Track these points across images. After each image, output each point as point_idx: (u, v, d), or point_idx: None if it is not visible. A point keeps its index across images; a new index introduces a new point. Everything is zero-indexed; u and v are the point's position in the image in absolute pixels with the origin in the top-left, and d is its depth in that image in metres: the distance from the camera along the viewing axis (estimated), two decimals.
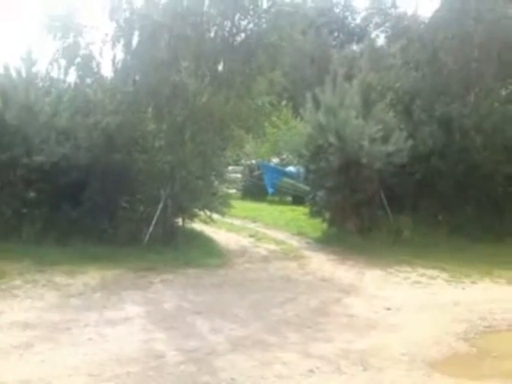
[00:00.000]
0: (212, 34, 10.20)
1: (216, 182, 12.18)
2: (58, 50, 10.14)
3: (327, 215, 13.05)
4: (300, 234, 13.49)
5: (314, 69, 32.86)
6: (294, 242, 12.67)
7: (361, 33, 36.84)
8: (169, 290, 7.52)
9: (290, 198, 19.41)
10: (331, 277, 8.89)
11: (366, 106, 12.72)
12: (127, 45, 10.00)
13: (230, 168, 24.84)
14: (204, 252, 10.28)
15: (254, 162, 22.58)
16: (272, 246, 11.79)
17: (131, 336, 5.58)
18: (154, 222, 10.48)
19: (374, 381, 4.70)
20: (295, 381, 4.65)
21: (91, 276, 8.08)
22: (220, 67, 10.28)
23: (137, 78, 10.29)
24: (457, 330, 6.18)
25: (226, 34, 10.07)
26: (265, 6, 9.87)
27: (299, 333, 5.93)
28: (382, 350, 5.46)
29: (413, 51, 13.27)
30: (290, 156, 16.75)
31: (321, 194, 12.83)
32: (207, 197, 11.51)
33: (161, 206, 10.59)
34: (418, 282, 8.63)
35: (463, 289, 8.30)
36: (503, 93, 12.70)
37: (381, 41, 28.34)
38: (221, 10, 10.05)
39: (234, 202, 21.18)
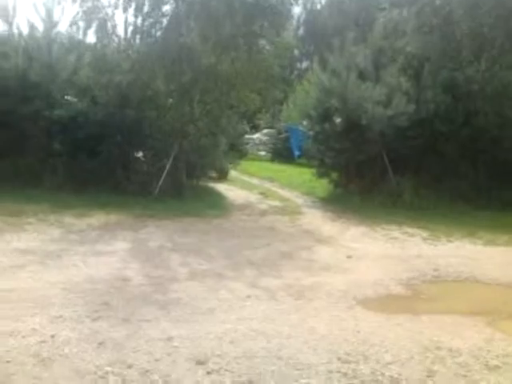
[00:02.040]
0: None
1: (224, 141, 12.86)
2: (77, 13, 11.00)
3: (333, 176, 13.62)
4: (309, 193, 14.21)
5: (359, 31, 32.74)
6: (301, 200, 13.39)
7: None
8: (159, 233, 8.45)
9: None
10: (314, 229, 9.54)
11: (376, 70, 13.08)
12: (138, 8, 10.72)
13: (265, 131, 25.69)
14: (208, 205, 11.18)
15: (282, 125, 23.20)
16: (276, 203, 12.57)
17: (110, 264, 6.54)
18: (163, 176, 11.42)
19: (298, 307, 5.42)
20: (231, 302, 5.44)
21: (96, 218, 9.15)
22: (224, 30, 10.85)
23: (148, 40, 11.04)
24: (403, 277, 6.71)
25: None
26: None
27: (256, 270, 6.69)
28: (322, 287, 6.14)
29: (425, 16, 13.25)
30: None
31: (327, 154, 13.37)
32: (215, 154, 12.29)
33: (170, 160, 11.50)
34: (395, 238, 9.12)
35: (435, 246, 8.73)
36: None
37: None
38: None
39: (262, 164, 22.20)
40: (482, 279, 6.91)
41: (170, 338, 4.49)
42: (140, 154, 12.03)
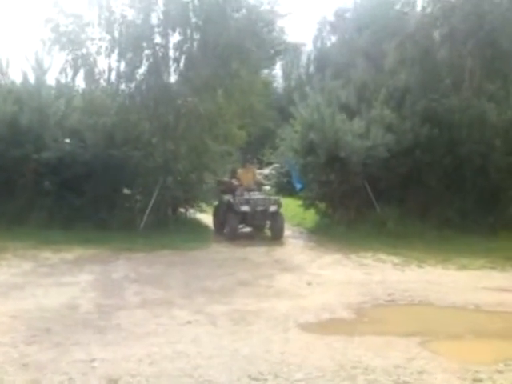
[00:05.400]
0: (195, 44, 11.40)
1: (208, 175, 13.19)
2: (66, 61, 11.72)
3: (320, 207, 13.78)
4: (299, 224, 14.28)
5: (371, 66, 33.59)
6: (288, 232, 13.38)
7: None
8: (127, 265, 8.74)
9: None
10: (286, 259, 9.71)
11: (359, 104, 13.44)
12: (121, 54, 11.37)
13: (274, 165, 26.13)
14: (189, 237, 11.36)
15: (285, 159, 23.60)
16: (261, 235, 12.69)
17: (67, 294, 6.83)
18: (148, 211, 11.78)
19: (233, 331, 5.56)
20: (168, 327, 5.63)
21: (73, 253, 9.52)
22: (201, 71, 11.38)
23: (131, 83, 11.66)
24: (354, 302, 6.80)
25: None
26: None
27: (208, 298, 6.86)
28: (266, 312, 6.27)
29: (406, 49, 13.64)
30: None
31: (313, 186, 13.59)
32: (198, 188, 12.63)
33: (154, 196, 11.87)
34: (365, 265, 9.19)
35: (402, 271, 8.78)
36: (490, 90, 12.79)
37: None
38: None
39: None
40: (436, 303, 6.96)
41: (92, 360, 4.70)
42: (126, 191, 12.44)
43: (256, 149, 28.10)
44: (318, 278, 8.13)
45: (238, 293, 7.16)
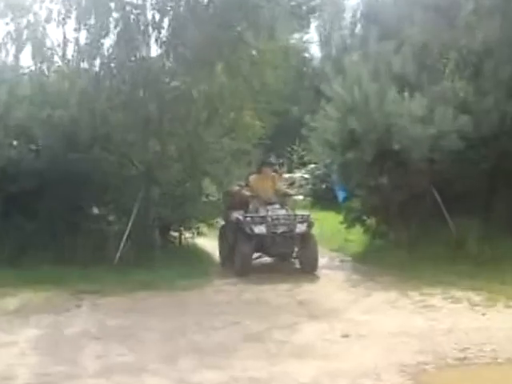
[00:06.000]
0: None
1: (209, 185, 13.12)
2: (7, 33, 11.73)
3: (369, 223, 13.52)
4: (340, 249, 14.38)
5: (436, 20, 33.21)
6: (324, 259, 13.27)
7: None
8: (89, 314, 8.62)
9: None
10: (316, 300, 9.51)
11: (421, 75, 13.12)
12: (80, 20, 11.31)
13: (311, 166, 25.99)
14: (183, 272, 11.27)
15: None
16: (286, 266, 12.47)
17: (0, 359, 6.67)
18: (125, 237, 11.68)
19: None
20: None
21: (19, 298, 9.46)
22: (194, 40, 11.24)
23: (95, 62, 11.59)
24: (410, 362, 6.44)
25: None
26: None
27: (198, 360, 6.61)
28: (279, 380, 6.00)
29: None
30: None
31: (357, 194, 13.36)
32: (195, 203, 12.47)
33: (134, 215, 11.76)
34: (430, 307, 8.84)
35: (484, 315, 8.38)
36: None
37: None
38: None
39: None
40: None
41: None
42: (94, 210, 12.38)
43: (283, 145, 28.01)
44: (360, 327, 7.82)
45: (241, 352, 6.91)
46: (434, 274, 10.85)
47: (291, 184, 14.29)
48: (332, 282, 11.00)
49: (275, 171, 13.48)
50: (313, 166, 25.05)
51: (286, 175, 28.22)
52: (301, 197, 25.19)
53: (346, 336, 7.46)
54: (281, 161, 27.32)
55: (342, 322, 8.16)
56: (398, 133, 11.85)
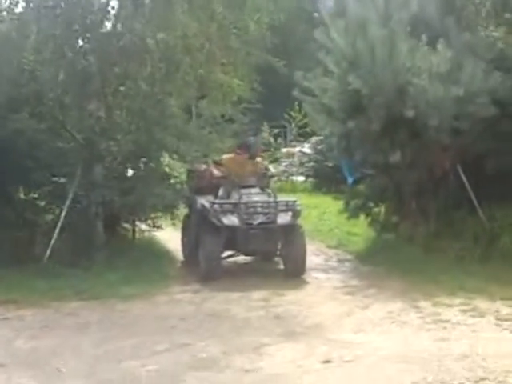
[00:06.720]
0: None
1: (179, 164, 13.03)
2: None
3: (375, 212, 13.59)
4: (340, 245, 14.50)
5: None
6: (318, 259, 13.38)
7: None
8: None
9: None
10: (296, 313, 9.25)
11: (443, 19, 12.86)
12: None
13: (315, 139, 26.15)
14: (131, 276, 11.07)
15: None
16: (268, 267, 12.37)
17: None
18: (57, 230, 11.47)
19: None
20: None
21: None
22: None
23: None
24: None
25: None
26: None
27: None
28: None
29: None
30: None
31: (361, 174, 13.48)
32: (151, 186, 12.22)
33: (68, 202, 11.55)
34: (443, 322, 8.61)
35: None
36: None
37: None
38: None
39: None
40: None
41: None
42: (20, 195, 12.20)
43: (279, 111, 27.90)
44: (347, 350, 7.53)
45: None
46: (455, 277, 10.79)
47: (271, 177, 13.82)
48: (322, 289, 10.82)
49: (258, 155, 13.11)
50: (316, 138, 25.08)
51: (284, 149, 28.49)
52: (302, 177, 25.37)
53: (326, 362, 7.18)
54: (275, 131, 27.49)
55: (326, 343, 7.89)
56: (413, 95, 11.59)
